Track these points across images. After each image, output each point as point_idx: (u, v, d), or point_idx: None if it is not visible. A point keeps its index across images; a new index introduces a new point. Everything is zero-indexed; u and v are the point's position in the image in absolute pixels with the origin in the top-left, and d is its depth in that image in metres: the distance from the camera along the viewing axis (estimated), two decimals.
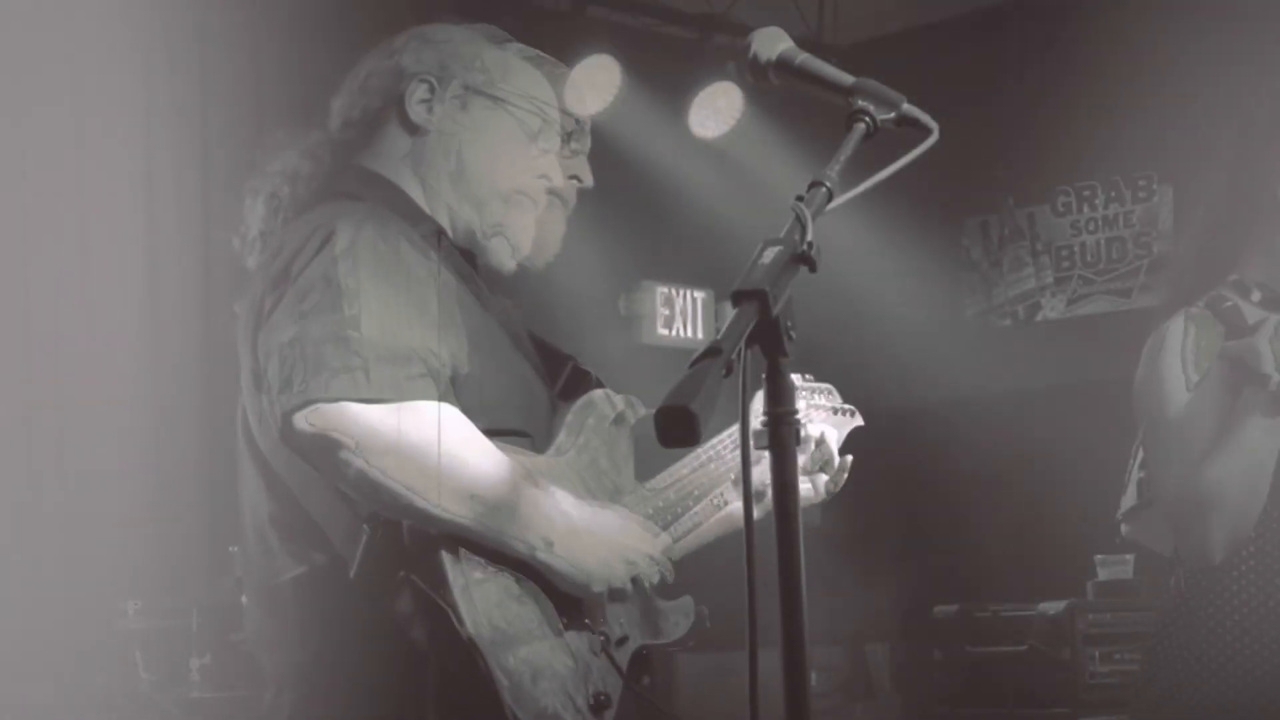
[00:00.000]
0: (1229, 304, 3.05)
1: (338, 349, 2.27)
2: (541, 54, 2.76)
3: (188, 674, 5.40)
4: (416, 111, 2.61)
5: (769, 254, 1.73)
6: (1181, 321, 3.06)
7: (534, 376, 2.62)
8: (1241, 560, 2.99)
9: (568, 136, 2.70)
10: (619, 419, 2.63)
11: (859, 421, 3.03)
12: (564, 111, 2.70)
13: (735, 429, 2.76)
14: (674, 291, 7.40)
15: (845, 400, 3.03)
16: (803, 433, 2.51)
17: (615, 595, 2.46)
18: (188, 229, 6.15)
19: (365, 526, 2.31)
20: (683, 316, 7.45)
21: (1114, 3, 6.65)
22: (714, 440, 2.70)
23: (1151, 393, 3.07)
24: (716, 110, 6.93)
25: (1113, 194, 7.03)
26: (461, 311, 2.48)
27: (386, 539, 2.31)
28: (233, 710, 5.40)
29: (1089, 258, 7.11)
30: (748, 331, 1.68)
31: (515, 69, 2.68)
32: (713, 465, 2.69)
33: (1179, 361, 3.02)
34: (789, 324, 1.72)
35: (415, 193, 2.61)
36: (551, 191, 2.70)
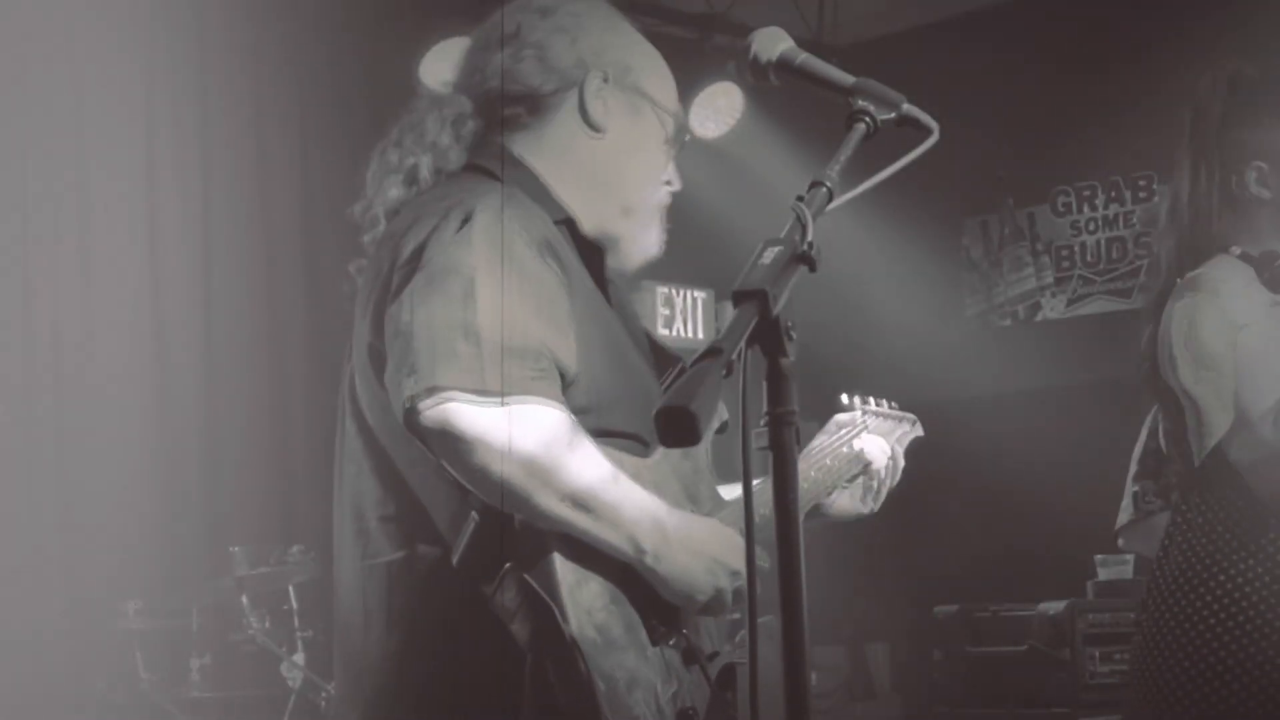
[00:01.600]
0: None
1: (462, 340, 2.23)
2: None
3: (188, 674, 5.40)
4: (595, 109, 2.56)
5: (769, 254, 1.73)
6: (1230, 263, 3.05)
7: (650, 377, 2.57)
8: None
9: (680, 140, 2.68)
10: (721, 428, 2.60)
11: (918, 431, 3.02)
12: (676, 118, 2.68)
13: (839, 433, 2.77)
14: (674, 291, 7.41)
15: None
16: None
17: (717, 607, 2.42)
18: (189, 228, 6.15)
19: (474, 514, 2.28)
20: (683, 316, 7.46)
21: (1114, 3, 6.65)
22: (819, 444, 2.71)
23: (1210, 343, 3.01)
24: (717, 110, 6.94)
25: (1113, 194, 7.04)
26: (586, 308, 2.43)
27: (495, 529, 2.27)
28: (233, 710, 5.40)
29: (1089, 258, 7.11)
30: (748, 331, 1.68)
31: (659, 67, 2.66)
32: (814, 472, 2.69)
33: (1235, 312, 3.00)
34: (789, 324, 1.71)
35: (558, 186, 2.55)
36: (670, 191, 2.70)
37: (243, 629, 5.25)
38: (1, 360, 5.50)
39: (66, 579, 5.41)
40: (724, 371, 1.63)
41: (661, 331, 7.34)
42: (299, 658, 5.30)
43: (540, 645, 2.24)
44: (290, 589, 5.38)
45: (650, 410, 2.48)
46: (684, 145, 2.69)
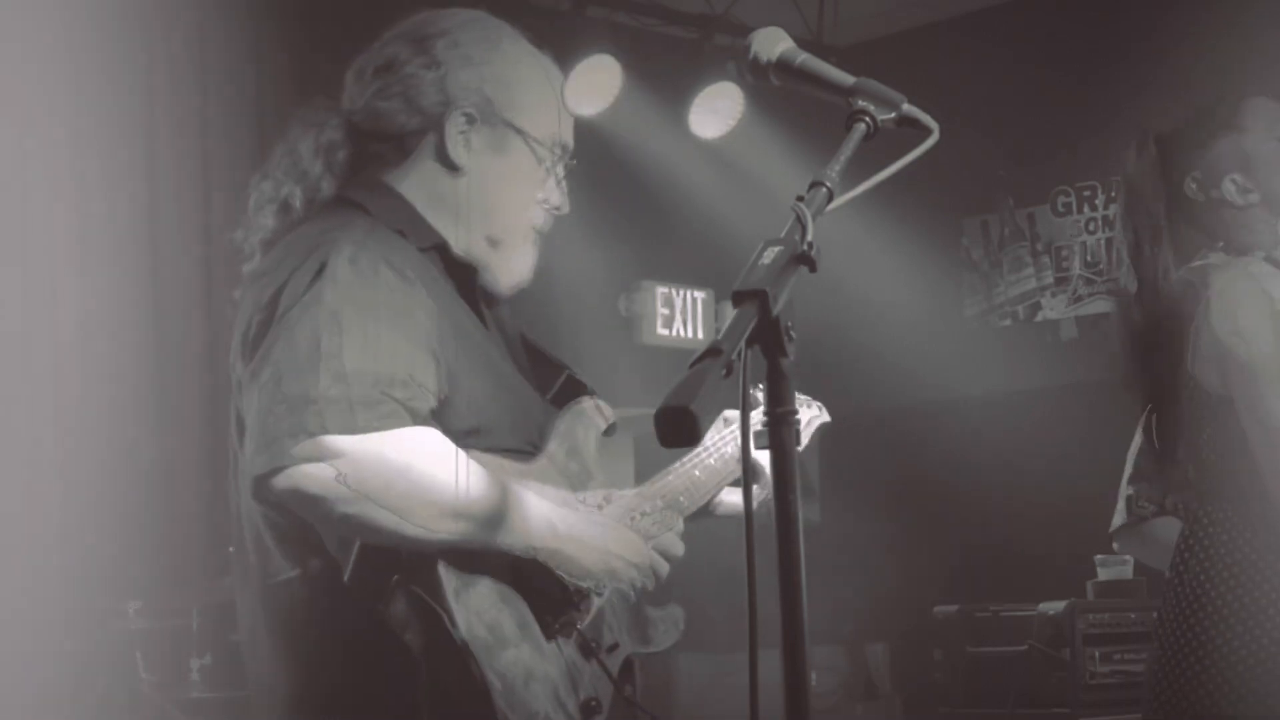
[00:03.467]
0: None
1: (311, 411, 2.27)
2: (546, 60, 2.74)
3: (188, 674, 5.40)
4: (456, 149, 2.59)
5: (769, 254, 1.73)
6: (1243, 271, 3.06)
7: (527, 392, 2.62)
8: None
9: (561, 165, 2.69)
10: (609, 430, 2.65)
11: (825, 417, 3.02)
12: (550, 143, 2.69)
13: (724, 431, 2.77)
14: (674, 291, 7.40)
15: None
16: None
17: (599, 592, 2.48)
18: (189, 228, 6.15)
19: (383, 538, 2.31)
20: (683, 316, 7.45)
21: (1113, 3, 6.65)
22: (705, 443, 2.71)
23: (1250, 329, 3.01)
24: (717, 110, 6.93)
25: (1113, 194, 7.03)
26: (455, 334, 2.47)
27: (380, 545, 2.31)
28: (233, 710, 5.40)
29: (1089, 258, 7.11)
30: (748, 332, 1.67)
31: (545, 101, 2.67)
32: (698, 471, 2.70)
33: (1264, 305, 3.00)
34: (789, 324, 1.72)
35: (426, 210, 2.59)
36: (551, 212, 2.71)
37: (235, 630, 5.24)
38: (1, 360, 5.49)
39: (66, 579, 5.40)
40: (724, 372, 1.63)
41: (661, 331, 7.33)
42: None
43: (433, 652, 2.28)
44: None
45: (531, 425, 2.55)
46: (568, 168, 2.70)
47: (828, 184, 1.83)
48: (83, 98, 5.83)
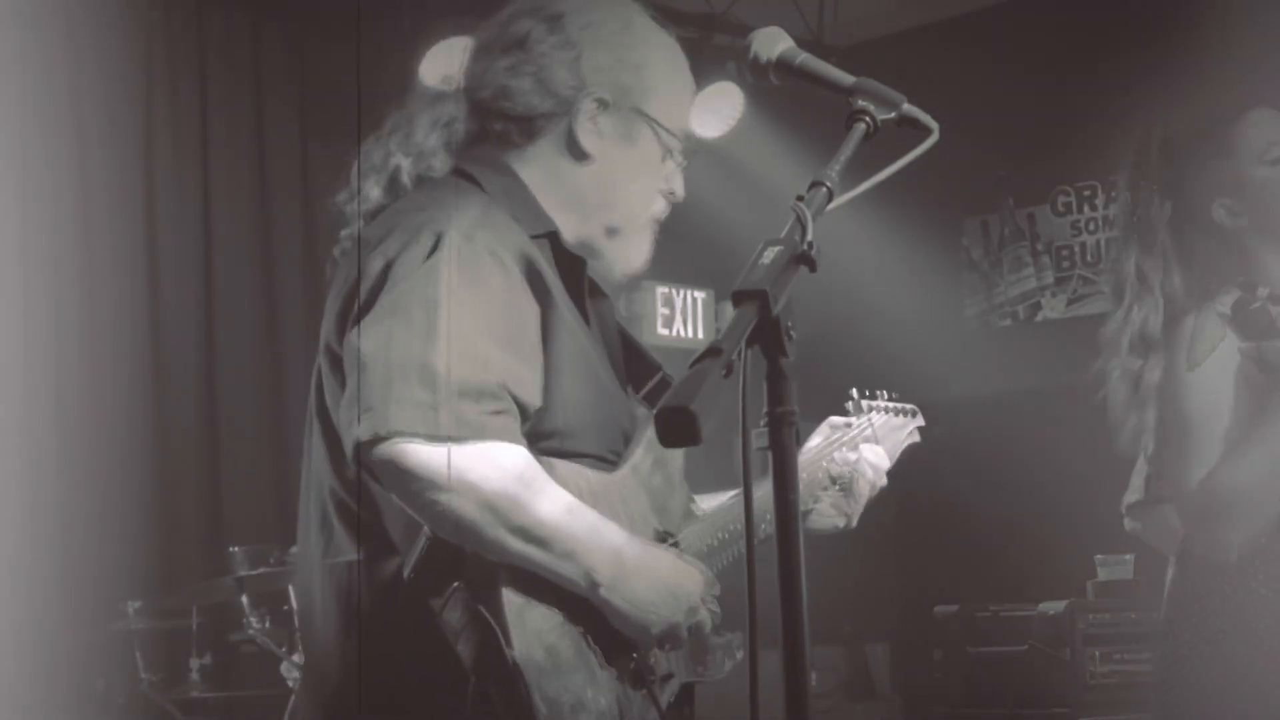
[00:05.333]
0: (1257, 305, 3.05)
1: (418, 382, 2.22)
2: (673, 42, 2.67)
3: (188, 674, 5.41)
4: (586, 136, 2.52)
5: (769, 254, 1.73)
6: (1190, 322, 3.06)
7: (619, 395, 2.55)
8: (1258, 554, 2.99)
9: (682, 150, 2.63)
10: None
11: (919, 422, 2.98)
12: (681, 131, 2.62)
13: (824, 439, 2.73)
14: (674, 291, 7.41)
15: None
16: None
17: (672, 641, 2.41)
18: (189, 228, 6.15)
19: (426, 530, 2.28)
20: (683, 316, 7.46)
21: (1113, 3, 6.65)
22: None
23: (1169, 393, 3.04)
24: (717, 110, 6.93)
25: (1113, 194, 7.02)
26: (551, 333, 2.41)
27: (446, 546, 2.27)
28: (233, 710, 5.41)
29: (1089, 258, 7.11)
30: (748, 331, 1.67)
31: (678, 89, 2.61)
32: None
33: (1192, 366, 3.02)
34: (789, 324, 1.71)
35: (543, 198, 2.52)
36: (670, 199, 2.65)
37: (243, 629, 5.25)
38: (1, 360, 5.49)
39: (66, 579, 5.40)
40: (724, 372, 1.63)
41: (661, 331, 7.34)
42: (299, 658, 5.29)
43: (483, 667, 2.24)
44: (290, 589, 5.38)
45: (617, 430, 2.49)
46: (692, 157, 2.65)
47: (828, 184, 1.83)
48: (83, 96, 5.83)
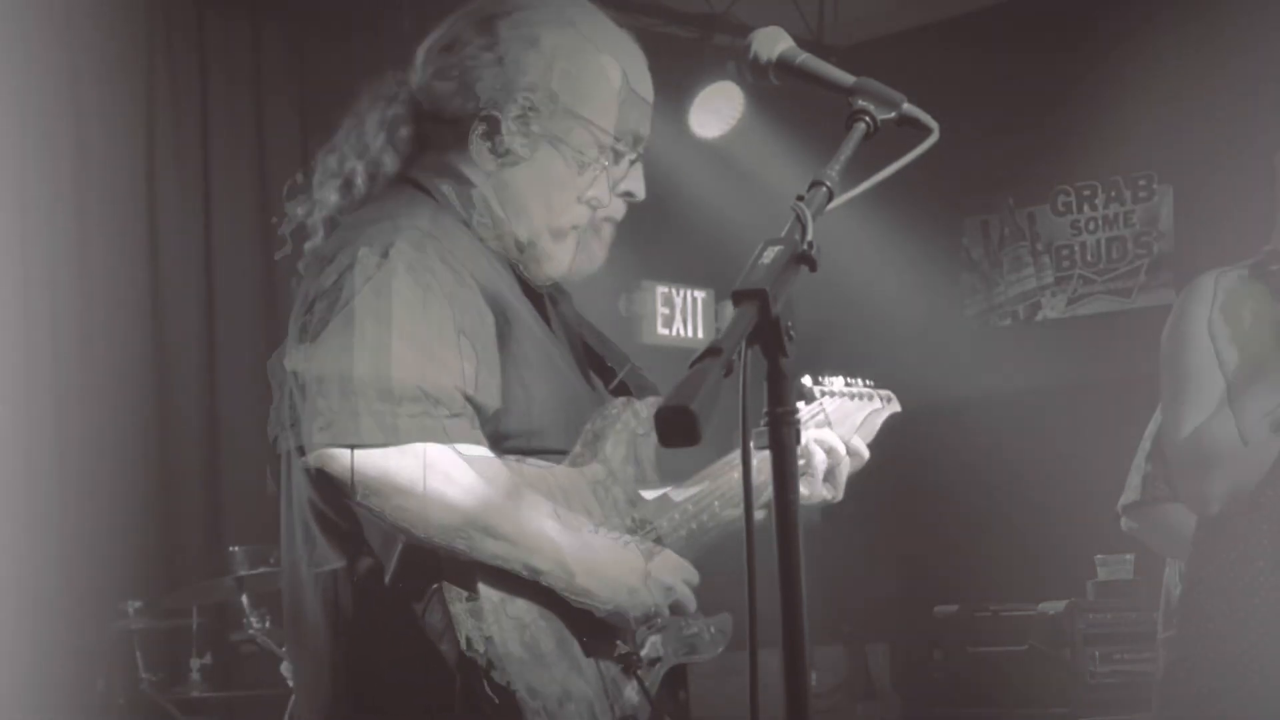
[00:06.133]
0: (1276, 268, 3.10)
1: (374, 391, 2.26)
2: (624, 39, 2.61)
3: (188, 674, 5.40)
4: (514, 139, 2.50)
5: (769, 254, 1.73)
6: (1212, 281, 3.10)
7: (583, 390, 2.57)
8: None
9: (617, 157, 2.57)
10: (648, 428, 2.58)
11: (895, 407, 2.94)
12: (630, 131, 2.58)
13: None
14: (674, 291, 7.41)
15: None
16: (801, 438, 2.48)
17: (651, 623, 2.44)
18: (189, 229, 6.15)
19: (401, 535, 2.30)
20: (683, 316, 7.46)
21: (1113, 3, 6.65)
22: (733, 453, 2.64)
23: (1174, 347, 3.12)
24: (717, 110, 6.93)
25: (1113, 194, 7.04)
26: (515, 331, 2.43)
27: (423, 550, 2.29)
28: (233, 710, 5.40)
29: (1089, 258, 7.11)
30: (748, 331, 1.67)
31: (606, 91, 2.55)
32: (727, 477, 2.64)
33: (1205, 323, 3.06)
34: (789, 324, 1.71)
35: (489, 201, 2.53)
36: (599, 211, 2.60)
37: (243, 629, 5.25)
38: (1, 360, 5.50)
39: (66, 579, 5.41)
40: (724, 371, 1.63)
41: (661, 331, 7.34)
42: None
43: (468, 664, 2.26)
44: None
45: (578, 426, 2.50)
46: (639, 155, 2.61)
47: (828, 183, 1.83)
48: (82, 95, 5.83)
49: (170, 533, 5.86)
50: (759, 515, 2.66)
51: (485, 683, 2.25)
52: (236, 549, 5.33)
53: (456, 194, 2.52)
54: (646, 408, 2.59)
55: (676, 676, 2.52)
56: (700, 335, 7.43)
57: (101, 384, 5.73)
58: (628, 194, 2.62)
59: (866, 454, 2.74)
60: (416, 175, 2.54)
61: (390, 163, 2.55)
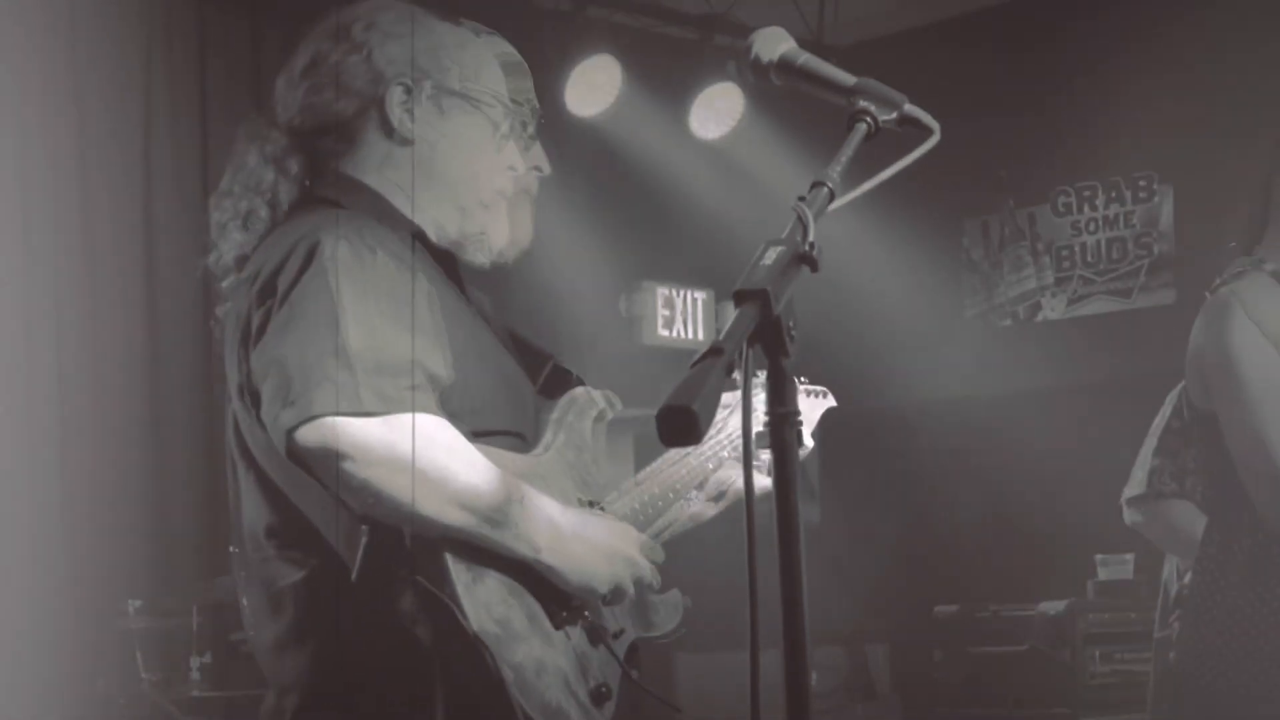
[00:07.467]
0: (1272, 266, 3.07)
1: (333, 365, 2.28)
2: (479, 26, 2.70)
3: (188, 674, 5.40)
4: (399, 119, 2.56)
5: (771, 254, 1.73)
6: (1226, 293, 3.06)
7: (519, 374, 2.63)
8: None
9: (523, 125, 2.65)
10: (600, 416, 2.65)
11: (831, 402, 3.01)
12: (514, 101, 2.65)
13: (721, 429, 2.76)
14: (674, 292, 7.40)
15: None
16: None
17: (617, 597, 2.49)
18: (188, 230, 6.14)
19: (364, 528, 2.32)
20: (683, 317, 7.45)
21: (1114, 3, 6.66)
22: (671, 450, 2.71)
23: (1231, 361, 3.02)
24: (717, 111, 6.93)
25: (1113, 194, 7.04)
26: (445, 316, 2.47)
27: (386, 540, 2.32)
28: (233, 710, 5.40)
29: (1089, 258, 7.11)
30: (749, 332, 1.67)
31: (477, 59, 2.64)
32: (692, 460, 2.71)
33: (1256, 333, 3.01)
34: (790, 324, 1.71)
35: (396, 198, 2.58)
36: (518, 182, 2.67)
37: (243, 629, 5.24)
38: (1, 360, 5.50)
39: (66, 579, 5.41)
40: (725, 371, 1.63)
41: (662, 332, 7.33)
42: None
43: (445, 646, 2.30)
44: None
45: (522, 407, 2.55)
46: (538, 127, 2.67)
47: (829, 184, 1.83)
48: (82, 95, 5.83)
49: (170, 533, 5.86)
50: (709, 509, 2.75)
51: (488, 657, 2.28)
52: (235, 550, 5.32)
53: (365, 201, 2.55)
54: (585, 396, 2.64)
55: (631, 654, 2.57)
56: (701, 336, 7.43)
57: (101, 384, 5.73)
58: (536, 169, 2.68)
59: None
60: (321, 191, 2.58)
61: (287, 193, 2.58)
